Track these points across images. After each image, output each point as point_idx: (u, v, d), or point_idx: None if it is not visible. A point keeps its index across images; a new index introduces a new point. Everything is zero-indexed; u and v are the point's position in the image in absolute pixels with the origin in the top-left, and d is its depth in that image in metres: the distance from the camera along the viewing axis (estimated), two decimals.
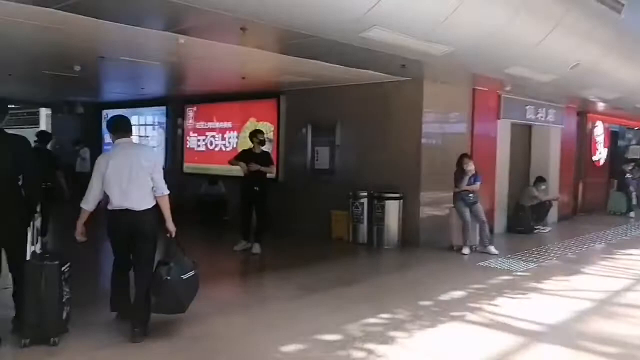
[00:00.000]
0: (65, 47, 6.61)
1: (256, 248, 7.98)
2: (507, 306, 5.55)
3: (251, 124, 10.81)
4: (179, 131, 12.60)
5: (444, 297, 5.84)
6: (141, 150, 4.55)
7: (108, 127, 4.49)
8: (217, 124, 11.75)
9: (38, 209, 4.29)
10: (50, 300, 3.91)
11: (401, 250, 8.52)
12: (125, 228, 4.15)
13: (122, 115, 4.61)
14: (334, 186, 9.37)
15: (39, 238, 7.65)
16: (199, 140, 12.21)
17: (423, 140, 8.62)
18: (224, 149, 11.60)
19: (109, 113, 14.70)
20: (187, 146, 12.48)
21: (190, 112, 12.43)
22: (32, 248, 4.16)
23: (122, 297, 4.45)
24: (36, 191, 4.23)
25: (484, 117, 9.68)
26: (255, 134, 8.24)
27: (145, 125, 13.63)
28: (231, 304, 5.54)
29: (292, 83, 9.48)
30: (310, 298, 5.72)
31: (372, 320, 4.94)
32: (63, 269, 4.02)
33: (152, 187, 4.20)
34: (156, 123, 13.31)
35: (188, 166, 12.45)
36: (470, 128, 9.48)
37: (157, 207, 4.25)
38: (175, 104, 12.59)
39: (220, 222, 10.78)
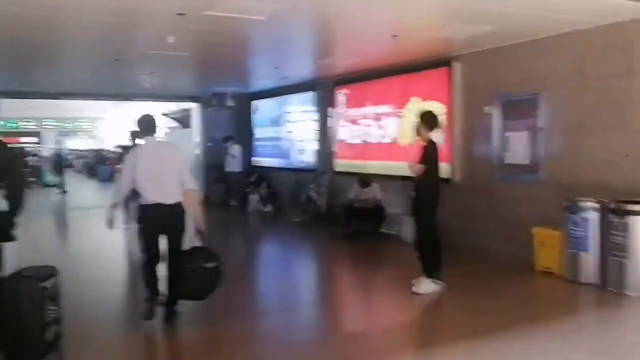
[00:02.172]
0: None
1: (418, 285, 5.29)
2: None
3: (414, 105, 8.13)
4: (329, 120, 10.35)
5: None
6: (170, 148, 4.83)
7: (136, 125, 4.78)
8: (371, 109, 9.26)
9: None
10: (30, 322, 3.68)
11: None
12: (158, 221, 4.52)
13: (147, 115, 4.81)
14: (538, 190, 6.63)
15: None
16: (352, 130, 9.82)
17: None
18: (380, 140, 9.08)
19: (258, 105, 13.20)
20: (339, 138, 10.17)
21: (340, 96, 10.08)
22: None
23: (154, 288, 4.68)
24: (17, 196, 3.82)
25: None
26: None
27: (290, 119, 11.76)
28: None
29: (467, 41, 6.68)
30: None
31: None
32: (44, 284, 3.81)
33: (181, 183, 4.58)
34: (303, 113, 11.26)
35: (340, 163, 10.15)
36: None
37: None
38: (324, 87, 10.41)
39: (375, 234, 8.36)
